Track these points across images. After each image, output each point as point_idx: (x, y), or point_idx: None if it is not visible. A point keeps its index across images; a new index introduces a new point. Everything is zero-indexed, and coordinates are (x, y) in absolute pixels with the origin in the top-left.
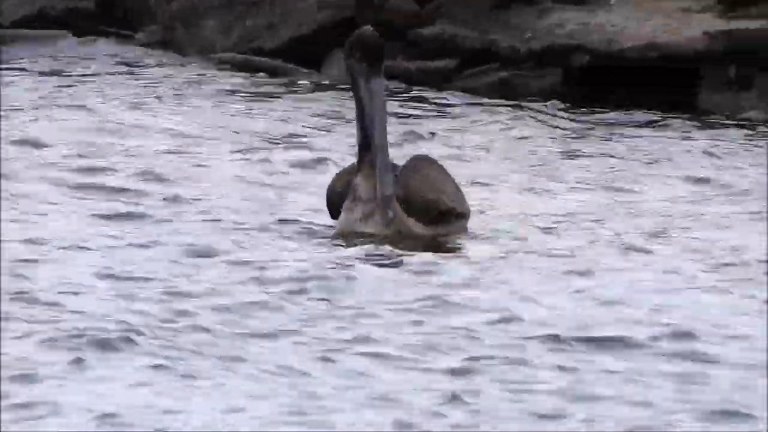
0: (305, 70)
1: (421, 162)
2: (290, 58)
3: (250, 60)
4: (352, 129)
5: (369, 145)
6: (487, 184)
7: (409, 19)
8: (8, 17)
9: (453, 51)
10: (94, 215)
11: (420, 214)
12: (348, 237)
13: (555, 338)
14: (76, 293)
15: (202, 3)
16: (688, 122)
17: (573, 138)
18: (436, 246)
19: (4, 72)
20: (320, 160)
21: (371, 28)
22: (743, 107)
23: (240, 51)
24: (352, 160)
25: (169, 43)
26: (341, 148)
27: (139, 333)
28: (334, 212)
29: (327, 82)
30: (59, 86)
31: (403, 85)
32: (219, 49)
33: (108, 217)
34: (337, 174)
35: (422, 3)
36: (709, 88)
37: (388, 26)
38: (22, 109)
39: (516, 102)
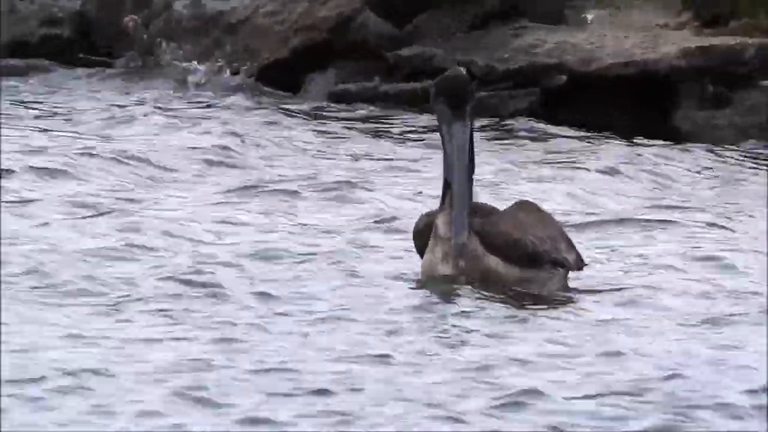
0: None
1: (522, 206)
2: (268, 82)
3: None
4: None
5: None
6: None
7: (386, 41)
8: None
9: (431, 72)
10: None
11: (504, 254)
12: (431, 277)
13: None
14: None
15: (178, 25)
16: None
17: None
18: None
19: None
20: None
21: (462, 70)
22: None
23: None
24: None
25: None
26: None
27: None
28: (420, 253)
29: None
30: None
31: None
32: None
33: None
34: (422, 214)
35: (400, 24)
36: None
37: (365, 48)
38: None
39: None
